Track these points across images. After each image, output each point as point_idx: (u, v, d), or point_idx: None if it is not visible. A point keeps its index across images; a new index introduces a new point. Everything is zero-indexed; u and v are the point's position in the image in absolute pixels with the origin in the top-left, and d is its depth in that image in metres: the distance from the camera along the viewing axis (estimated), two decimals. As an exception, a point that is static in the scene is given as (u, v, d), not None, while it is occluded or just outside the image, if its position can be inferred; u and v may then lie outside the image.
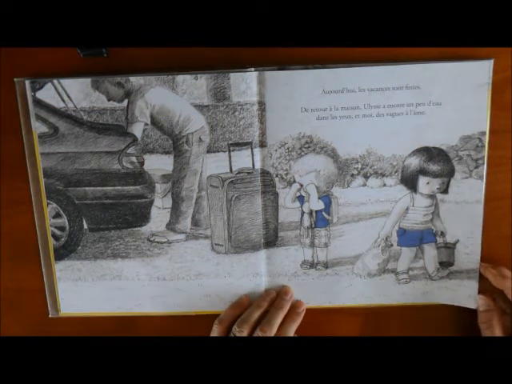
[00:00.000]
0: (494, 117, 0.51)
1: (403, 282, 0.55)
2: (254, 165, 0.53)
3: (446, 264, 0.55)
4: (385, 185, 0.54)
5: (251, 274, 0.55)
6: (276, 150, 0.53)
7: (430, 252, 0.55)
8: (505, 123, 0.52)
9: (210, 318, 0.54)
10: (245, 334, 0.51)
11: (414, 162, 0.53)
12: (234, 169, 0.54)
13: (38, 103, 0.52)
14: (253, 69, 0.51)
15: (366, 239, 0.55)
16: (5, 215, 0.56)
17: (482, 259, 0.54)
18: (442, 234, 0.54)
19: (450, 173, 0.53)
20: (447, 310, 0.56)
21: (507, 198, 0.54)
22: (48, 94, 0.52)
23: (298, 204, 0.55)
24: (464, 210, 0.53)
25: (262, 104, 0.52)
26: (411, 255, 0.55)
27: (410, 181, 0.53)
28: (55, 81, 0.52)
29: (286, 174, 0.54)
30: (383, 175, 0.53)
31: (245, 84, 0.51)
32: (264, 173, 0.54)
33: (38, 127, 0.53)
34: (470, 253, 0.54)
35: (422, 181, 0.53)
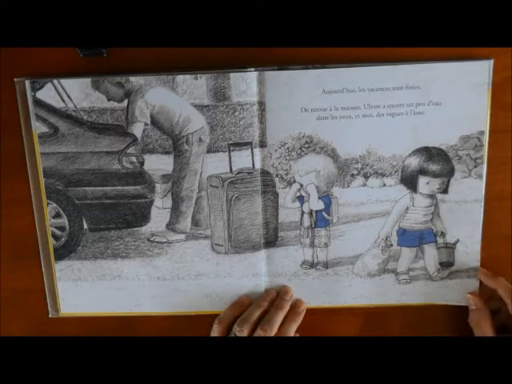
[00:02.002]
0: (493, 117, 0.51)
1: (403, 282, 0.55)
2: (253, 165, 0.53)
3: (446, 264, 0.55)
4: (385, 185, 0.54)
5: (251, 273, 0.55)
6: (276, 150, 0.53)
7: (431, 252, 0.55)
8: (505, 123, 0.52)
9: (210, 318, 0.54)
10: (245, 333, 0.51)
11: (414, 162, 0.53)
12: (234, 169, 0.54)
13: (38, 103, 0.52)
14: (253, 69, 0.51)
15: (365, 239, 0.55)
16: (5, 215, 0.56)
17: (482, 259, 0.54)
18: (443, 234, 0.54)
19: (450, 172, 0.53)
20: (447, 309, 0.56)
21: (507, 198, 0.54)
22: (48, 94, 0.52)
23: (298, 204, 0.55)
24: (464, 209, 0.53)
25: (261, 104, 0.52)
26: (411, 255, 0.55)
27: (409, 181, 0.53)
28: (55, 81, 0.52)
29: (286, 174, 0.54)
30: (383, 175, 0.53)
31: (245, 84, 0.51)
32: (264, 173, 0.54)
33: (38, 127, 0.53)
34: (469, 252, 0.54)
35: (422, 181, 0.53)
